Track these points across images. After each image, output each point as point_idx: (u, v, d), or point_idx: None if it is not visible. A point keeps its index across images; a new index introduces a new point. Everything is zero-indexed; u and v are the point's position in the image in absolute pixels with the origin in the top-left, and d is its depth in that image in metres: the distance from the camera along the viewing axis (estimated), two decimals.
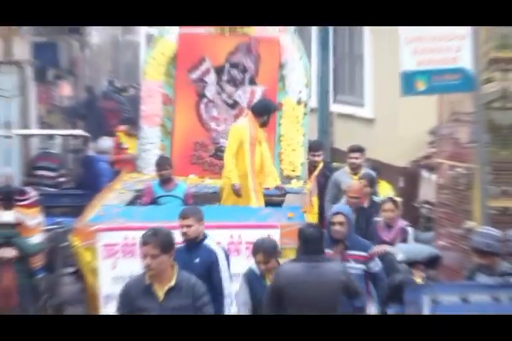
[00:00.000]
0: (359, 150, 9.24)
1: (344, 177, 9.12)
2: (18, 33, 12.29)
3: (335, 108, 13.41)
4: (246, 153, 8.31)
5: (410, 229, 7.76)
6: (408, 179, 10.70)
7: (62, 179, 10.96)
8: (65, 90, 16.12)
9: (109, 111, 17.61)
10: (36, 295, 8.18)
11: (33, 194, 7.97)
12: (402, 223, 7.78)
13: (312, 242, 5.92)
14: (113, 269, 7.00)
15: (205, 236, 6.43)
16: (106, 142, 11.98)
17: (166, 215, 6.90)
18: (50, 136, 11.48)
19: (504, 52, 7.37)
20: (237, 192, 8.26)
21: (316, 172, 9.42)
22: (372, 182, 8.44)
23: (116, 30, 23.70)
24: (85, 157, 11.11)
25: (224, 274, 6.23)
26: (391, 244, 7.25)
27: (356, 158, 9.10)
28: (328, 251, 6.38)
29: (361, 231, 7.71)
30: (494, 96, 7.46)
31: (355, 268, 6.58)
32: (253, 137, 8.40)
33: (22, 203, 7.79)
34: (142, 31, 26.53)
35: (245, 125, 8.45)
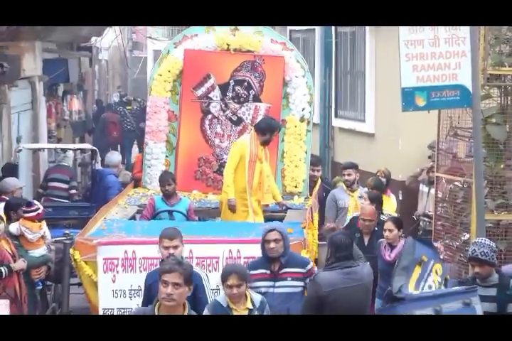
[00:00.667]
0: (352, 166, 9.34)
1: (341, 194, 9.24)
2: (29, 50, 12.52)
3: (336, 123, 13.54)
4: (245, 169, 8.39)
5: None
6: (407, 193, 10.78)
7: (73, 191, 11.19)
8: (75, 105, 16.34)
9: (112, 123, 17.98)
10: (43, 305, 8.38)
11: (39, 207, 8.05)
12: None
13: (343, 248, 6.11)
14: (113, 283, 6.95)
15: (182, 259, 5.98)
16: (114, 156, 12.20)
17: None
18: (63, 150, 11.69)
19: (501, 69, 7.48)
20: (232, 208, 8.32)
21: (316, 188, 9.50)
22: (376, 201, 8.27)
23: (125, 46, 23.93)
24: (94, 170, 11.29)
25: (209, 296, 5.98)
26: (393, 264, 6.94)
27: (349, 175, 9.24)
28: (264, 271, 6.38)
29: (372, 253, 7.66)
30: (492, 112, 7.57)
31: (294, 285, 6.42)
32: (253, 154, 8.46)
33: (27, 215, 7.89)
34: (149, 47, 26.91)
35: (247, 141, 8.54)
